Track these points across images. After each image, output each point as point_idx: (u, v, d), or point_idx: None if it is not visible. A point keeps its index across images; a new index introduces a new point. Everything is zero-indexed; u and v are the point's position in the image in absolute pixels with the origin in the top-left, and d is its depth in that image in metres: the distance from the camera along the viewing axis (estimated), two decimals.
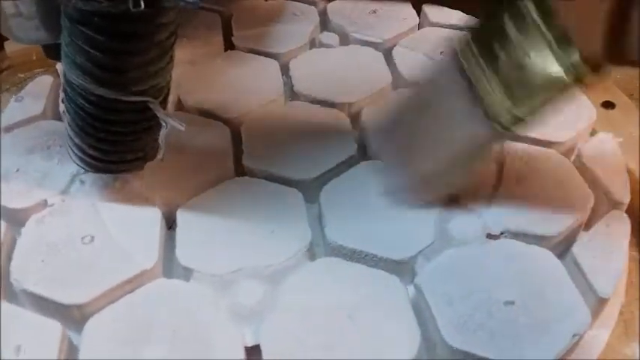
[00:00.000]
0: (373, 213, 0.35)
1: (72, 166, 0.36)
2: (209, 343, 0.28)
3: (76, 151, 0.34)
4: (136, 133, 0.32)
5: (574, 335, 0.28)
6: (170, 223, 0.36)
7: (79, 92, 0.30)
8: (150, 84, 0.30)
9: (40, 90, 0.44)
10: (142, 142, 0.33)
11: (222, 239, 0.34)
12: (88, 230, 0.33)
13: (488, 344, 0.28)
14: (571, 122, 0.41)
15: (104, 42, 0.27)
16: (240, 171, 0.39)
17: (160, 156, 0.34)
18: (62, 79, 0.31)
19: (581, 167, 0.37)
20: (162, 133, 0.32)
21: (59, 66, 0.40)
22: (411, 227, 0.34)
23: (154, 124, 0.32)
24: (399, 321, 0.29)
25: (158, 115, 0.31)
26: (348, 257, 0.33)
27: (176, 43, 0.30)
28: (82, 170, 0.35)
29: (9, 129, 0.41)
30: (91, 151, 0.33)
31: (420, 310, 0.30)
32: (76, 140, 0.33)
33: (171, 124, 0.31)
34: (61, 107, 0.33)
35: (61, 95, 0.33)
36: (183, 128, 0.31)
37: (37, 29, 0.34)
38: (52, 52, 0.35)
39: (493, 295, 0.30)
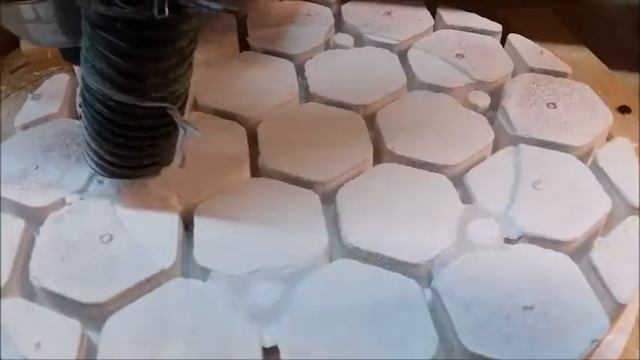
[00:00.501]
0: (390, 215, 0.35)
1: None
2: (227, 343, 0.28)
3: (92, 156, 0.33)
4: (153, 139, 0.32)
5: (593, 341, 0.28)
6: (187, 224, 0.36)
7: (97, 97, 0.30)
8: (169, 90, 0.30)
9: (56, 88, 0.44)
10: (159, 148, 0.33)
11: (239, 240, 0.34)
12: (107, 229, 0.33)
13: (505, 348, 0.27)
14: (587, 127, 0.40)
15: (125, 48, 0.27)
16: (257, 172, 0.39)
17: (179, 162, 0.33)
18: (80, 84, 0.31)
19: (598, 172, 0.37)
20: (181, 139, 0.32)
21: (77, 68, 0.40)
22: (429, 230, 0.34)
23: (172, 130, 0.32)
24: (415, 323, 0.29)
25: (177, 121, 0.30)
26: (364, 260, 0.33)
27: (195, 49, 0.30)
28: None
29: (26, 126, 0.41)
30: (108, 157, 0.32)
31: (437, 314, 0.30)
32: (93, 145, 0.32)
33: (189, 131, 0.31)
34: (79, 111, 0.32)
35: (79, 100, 0.32)
36: (200, 135, 0.31)
37: (55, 33, 0.33)
38: (70, 55, 0.35)
39: (511, 300, 0.30)
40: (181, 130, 0.31)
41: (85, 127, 0.32)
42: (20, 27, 0.34)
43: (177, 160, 0.34)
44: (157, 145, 0.33)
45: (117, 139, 0.31)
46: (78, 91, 0.33)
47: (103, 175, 0.34)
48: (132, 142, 0.31)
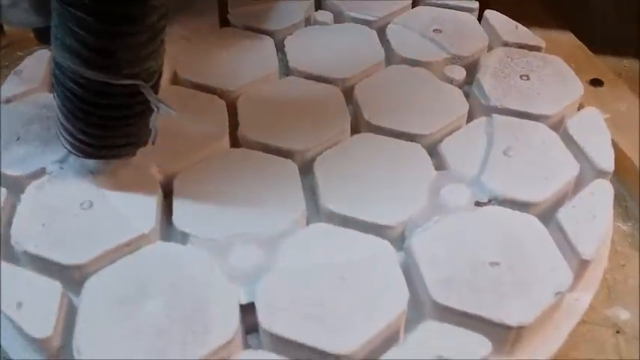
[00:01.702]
0: (366, 182, 0.36)
1: None
2: (205, 299, 0.29)
3: (66, 136, 0.33)
4: (127, 118, 0.31)
5: (556, 293, 0.29)
6: (167, 194, 0.36)
7: (68, 75, 0.29)
8: (141, 67, 0.29)
9: (38, 64, 0.44)
10: (134, 127, 0.32)
11: (218, 207, 0.34)
12: (87, 197, 0.34)
13: (473, 301, 0.29)
14: (559, 97, 0.42)
15: (94, 23, 0.27)
16: (236, 144, 0.40)
17: (151, 140, 0.33)
18: (52, 62, 0.30)
19: (568, 139, 0.38)
20: (154, 117, 0.32)
21: None
22: (403, 195, 0.35)
23: (146, 109, 0.32)
24: (388, 280, 0.30)
25: (150, 99, 0.30)
26: (340, 224, 0.34)
27: (167, 25, 0.30)
28: None
29: (8, 100, 0.41)
30: (80, 136, 0.32)
31: (409, 273, 0.31)
32: (66, 125, 0.32)
33: (163, 109, 0.30)
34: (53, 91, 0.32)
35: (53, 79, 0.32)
36: (175, 113, 0.30)
37: (27, 12, 0.33)
38: (44, 35, 0.35)
39: (479, 257, 0.31)
40: (155, 109, 0.31)
41: (58, 106, 0.32)
42: None
43: (150, 138, 0.34)
44: (131, 124, 0.32)
45: (89, 118, 0.31)
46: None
47: (77, 155, 0.33)
48: (104, 121, 0.31)
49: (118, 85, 0.29)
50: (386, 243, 0.32)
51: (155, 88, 0.31)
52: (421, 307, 0.30)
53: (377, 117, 0.40)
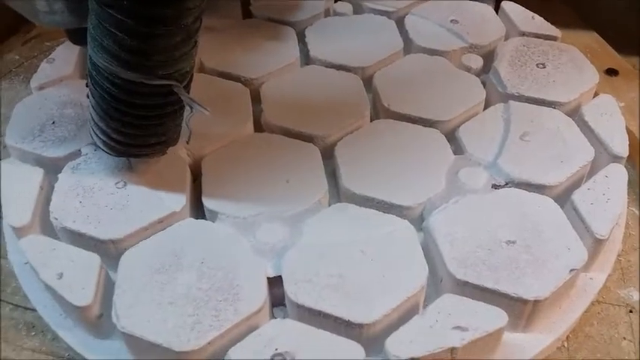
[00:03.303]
0: (385, 165, 0.37)
1: None
2: (235, 271, 0.30)
3: (99, 135, 0.33)
4: (159, 117, 0.32)
5: (571, 270, 0.30)
6: (195, 176, 0.38)
7: (104, 76, 0.30)
8: (175, 68, 0.30)
9: (69, 53, 0.46)
10: (165, 127, 0.33)
11: (244, 187, 0.36)
12: (121, 177, 0.36)
13: (490, 276, 0.30)
14: (575, 85, 0.42)
15: (132, 25, 0.27)
16: (260, 129, 0.41)
17: (186, 139, 0.34)
18: (88, 63, 0.31)
19: (583, 125, 0.39)
20: (188, 116, 0.33)
21: None
22: (421, 178, 0.36)
23: (177, 109, 0.32)
24: (408, 256, 0.31)
25: (183, 99, 0.31)
26: (361, 205, 0.35)
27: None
28: None
29: (41, 87, 0.43)
30: (114, 135, 0.32)
31: (428, 251, 0.32)
32: (101, 124, 0.32)
33: (196, 109, 0.31)
34: (87, 91, 0.32)
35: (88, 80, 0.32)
36: (208, 112, 0.31)
37: (62, 14, 0.34)
38: (77, 36, 0.36)
39: (495, 236, 0.32)
40: (188, 108, 0.32)
41: (93, 106, 0.32)
42: (27, 7, 0.34)
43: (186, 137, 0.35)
44: (163, 124, 0.33)
45: (123, 118, 0.31)
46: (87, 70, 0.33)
47: (109, 154, 0.34)
48: (138, 120, 0.32)
49: (153, 85, 0.30)
50: (405, 222, 0.33)
51: (187, 88, 0.32)
52: (439, 284, 0.32)
53: (396, 104, 0.42)
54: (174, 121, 0.34)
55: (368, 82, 0.44)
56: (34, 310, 0.35)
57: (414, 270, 0.30)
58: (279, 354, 0.27)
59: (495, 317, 0.28)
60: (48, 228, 0.34)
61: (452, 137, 0.40)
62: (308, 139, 0.40)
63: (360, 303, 0.29)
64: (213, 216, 0.35)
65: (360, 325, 0.28)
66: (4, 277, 0.37)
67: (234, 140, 0.39)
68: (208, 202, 0.35)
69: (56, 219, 0.33)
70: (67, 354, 0.33)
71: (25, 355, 0.33)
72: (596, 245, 0.33)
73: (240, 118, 0.41)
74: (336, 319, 0.28)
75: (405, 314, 0.29)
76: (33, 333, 0.34)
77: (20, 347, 0.33)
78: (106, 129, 0.32)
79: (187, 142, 0.35)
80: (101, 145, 0.34)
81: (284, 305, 0.31)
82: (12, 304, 0.36)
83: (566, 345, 0.32)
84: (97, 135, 0.34)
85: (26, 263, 0.35)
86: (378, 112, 0.43)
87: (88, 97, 0.33)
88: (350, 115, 0.41)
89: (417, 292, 0.29)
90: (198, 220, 0.34)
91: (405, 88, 0.43)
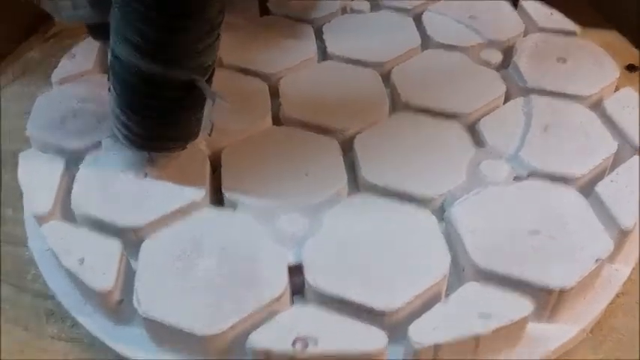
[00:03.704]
0: (405, 158, 0.37)
1: None
2: (255, 258, 0.30)
3: (120, 129, 0.33)
4: (181, 111, 0.32)
5: (596, 260, 0.30)
6: (215, 168, 0.38)
7: (126, 68, 0.30)
8: (197, 62, 0.30)
9: (90, 49, 0.47)
10: (187, 121, 0.33)
11: (263, 179, 0.36)
12: (141, 169, 0.36)
13: (514, 265, 0.29)
14: (595, 79, 0.42)
15: (155, 17, 0.27)
16: (278, 123, 0.41)
17: (208, 132, 0.34)
18: (109, 56, 0.31)
19: (605, 118, 0.39)
20: (209, 109, 0.33)
21: None
22: (442, 170, 0.36)
23: (199, 103, 0.32)
24: (430, 245, 0.31)
25: (205, 92, 0.31)
26: (381, 196, 0.35)
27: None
28: None
29: (62, 82, 0.44)
30: (136, 129, 0.32)
31: (449, 242, 0.32)
32: (122, 117, 0.32)
33: (217, 102, 0.31)
34: (108, 84, 0.32)
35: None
36: (229, 105, 0.31)
37: (84, 7, 0.34)
38: (98, 32, 0.36)
39: (519, 226, 0.31)
40: (210, 101, 0.32)
41: (114, 99, 0.32)
42: (50, 4, 0.35)
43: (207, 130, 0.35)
44: (184, 117, 0.33)
45: (145, 111, 0.31)
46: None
47: (130, 148, 0.34)
48: (159, 113, 0.31)
49: (175, 78, 0.30)
50: (427, 211, 0.33)
51: (209, 81, 0.32)
52: (461, 274, 0.31)
53: (414, 98, 0.41)
54: (196, 114, 0.33)
55: (386, 78, 0.44)
56: (53, 297, 0.35)
57: (436, 258, 0.30)
58: (301, 338, 0.26)
59: (520, 306, 0.28)
60: (69, 216, 0.34)
61: (472, 131, 0.40)
62: (326, 132, 0.40)
63: (383, 290, 0.28)
64: (233, 206, 0.35)
65: (383, 313, 0.28)
66: (24, 265, 0.37)
67: (253, 133, 0.39)
68: (228, 193, 0.35)
69: (77, 207, 0.33)
70: (86, 340, 0.33)
71: (45, 342, 0.33)
72: (620, 237, 0.32)
73: (259, 113, 0.41)
74: (359, 306, 0.28)
75: (428, 302, 0.29)
76: (53, 320, 0.34)
77: (40, 334, 0.33)
78: (127, 122, 0.32)
79: (209, 135, 0.35)
80: (122, 139, 0.34)
81: (302, 295, 0.31)
82: (32, 291, 0.36)
83: (590, 336, 0.32)
84: (118, 129, 0.34)
85: (47, 250, 0.35)
86: (397, 106, 0.43)
87: (109, 90, 0.33)
88: (368, 109, 0.41)
89: (440, 280, 0.29)
90: (218, 209, 0.34)
91: (424, 82, 0.43)
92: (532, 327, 0.29)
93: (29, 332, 0.34)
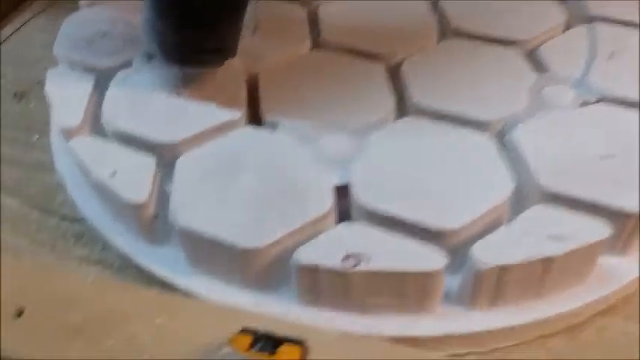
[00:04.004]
0: (458, 82, 0.34)
1: None
2: (299, 177, 0.28)
3: (155, 37, 0.31)
4: (219, 15, 0.30)
5: None
6: (251, 93, 0.35)
7: None
8: None
9: None
10: (225, 29, 0.31)
11: (304, 100, 0.33)
12: (175, 85, 0.33)
13: (586, 188, 0.27)
14: None
15: None
16: (317, 48, 0.39)
17: (252, 30, 0.33)
18: None
19: None
20: (253, 7, 0.31)
21: None
22: (500, 94, 0.33)
23: (240, 13, 0.30)
24: (490, 167, 0.28)
25: None
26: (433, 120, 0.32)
27: None
28: None
29: (91, 4, 0.41)
30: (171, 36, 0.30)
31: (511, 166, 0.29)
32: (157, 23, 0.30)
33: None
34: None
35: None
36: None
37: None
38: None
39: (588, 150, 0.29)
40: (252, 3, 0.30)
41: (150, 5, 0.30)
42: None
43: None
44: (223, 25, 0.31)
45: (182, 17, 0.29)
46: None
47: (166, 61, 0.32)
48: (196, 16, 0.29)
49: None
50: (484, 135, 0.30)
51: None
52: (524, 200, 0.29)
53: (466, 24, 0.38)
54: (235, 23, 0.31)
55: (434, 5, 0.41)
56: (82, 220, 0.33)
57: (497, 180, 0.27)
58: (352, 255, 0.24)
59: (596, 228, 0.25)
60: (98, 133, 0.32)
61: (531, 58, 0.36)
62: (370, 58, 0.37)
63: (440, 210, 0.26)
64: (273, 127, 0.32)
65: (441, 233, 0.25)
66: (52, 191, 0.35)
67: (292, 58, 0.37)
68: (268, 114, 0.32)
69: (109, 122, 0.31)
70: (117, 263, 0.31)
71: (73, 265, 0.31)
72: None
73: (297, 37, 0.38)
74: (413, 226, 0.26)
75: (489, 226, 0.26)
76: (81, 243, 0.32)
77: (68, 256, 0.32)
78: (163, 28, 0.30)
79: (253, 34, 0.33)
80: (156, 50, 0.32)
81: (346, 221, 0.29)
82: (60, 215, 0.34)
83: None
84: (152, 37, 0.31)
85: (74, 169, 0.33)
86: (446, 33, 0.39)
87: None
88: (415, 34, 0.38)
89: (502, 202, 0.26)
90: (258, 128, 0.31)
91: (476, 8, 0.40)
92: (602, 260, 0.27)
93: (57, 253, 0.32)
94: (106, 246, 0.32)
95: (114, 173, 0.28)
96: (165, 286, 0.28)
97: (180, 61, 0.32)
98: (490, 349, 0.26)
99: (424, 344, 0.25)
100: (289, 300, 0.26)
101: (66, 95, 0.33)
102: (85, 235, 0.33)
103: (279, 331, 0.23)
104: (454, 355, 0.26)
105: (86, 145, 0.30)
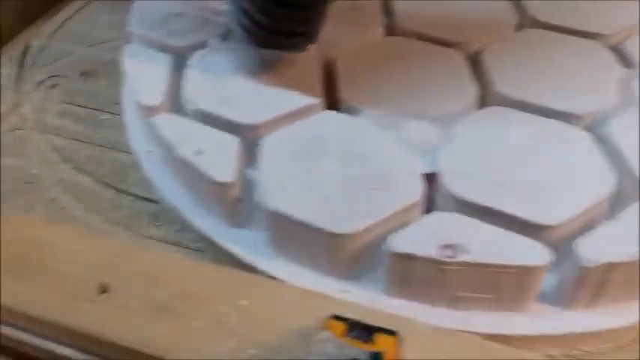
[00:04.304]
0: (542, 73, 0.33)
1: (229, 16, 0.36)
2: (385, 162, 0.27)
3: (241, 18, 0.31)
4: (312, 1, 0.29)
5: None
6: (326, 79, 0.35)
7: None
8: None
9: None
10: (311, 13, 0.30)
11: (384, 87, 0.33)
12: (252, 67, 0.33)
13: None
14: None
15: None
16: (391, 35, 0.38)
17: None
18: None
19: None
20: None
21: None
22: (586, 87, 0.32)
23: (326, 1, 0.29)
24: (587, 162, 0.27)
25: None
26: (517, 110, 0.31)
27: None
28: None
29: None
30: (258, 16, 0.30)
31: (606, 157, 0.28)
32: (245, 3, 0.30)
33: None
34: None
35: None
36: None
37: None
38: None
39: None
40: None
41: None
42: None
43: None
44: (312, 12, 0.30)
45: None
46: None
47: (250, 43, 0.32)
48: (292, 3, 0.29)
49: None
50: (577, 128, 0.29)
51: None
52: (620, 197, 0.27)
53: (546, 15, 0.37)
54: (323, 9, 0.30)
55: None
56: (156, 202, 0.33)
57: (598, 175, 0.26)
58: (449, 245, 0.23)
59: None
60: (177, 112, 0.32)
61: (615, 52, 0.35)
62: (447, 45, 0.36)
63: (538, 204, 0.25)
64: (354, 112, 0.31)
65: (541, 228, 0.24)
66: (124, 169, 0.35)
67: (366, 42, 0.36)
68: (347, 100, 0.32)
69: (190, 101, 0.31)
70: (194, 245, 0.31)
71: (149, 244, 0.31)
72: None
73: (370, 24, 0.38)
74: (510, 218, 0.25)
75: (588, 223, 0.25)
76: (157, 223, 0.32)
77: (142, 235, 0.32)
78: (250, 8, 0.30)
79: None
80: (241, 31, 0.31)
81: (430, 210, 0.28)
82: (133, 194, 0.34)
83: None
84: (238, 18, 0.31)
85: (151, 151, 0.33)
86: (525, 23, 0.38)
87: None
88: (493, 23, 0.37)
89: (604, 198, 0.25)
90: (340, 113, 0.31)
91: (555, 1, 0.38)
92: None
93: (132, 232, 0.32)
94: (182, 227, 0.31)
95: (199, 151, 0.28)
96: (245, 268, 0.28)
97: (267, 44, 0.31)
98: (583, 352, 0.25)
99: (515, 343, 0.24)
100: (375, 289, 0.26)
101: (144, 73, 0.33)
102: (160, 215, 0.32)
103: (368, 320, 0.23)
104: (548, 356, 0.25)
105: (169, 123, 0.29)
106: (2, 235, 0.27)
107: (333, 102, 0.33)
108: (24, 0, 0.49)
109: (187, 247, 0.31)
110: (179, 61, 0.34)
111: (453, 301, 0.25)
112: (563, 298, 0.24)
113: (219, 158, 0.27)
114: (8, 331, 0.26)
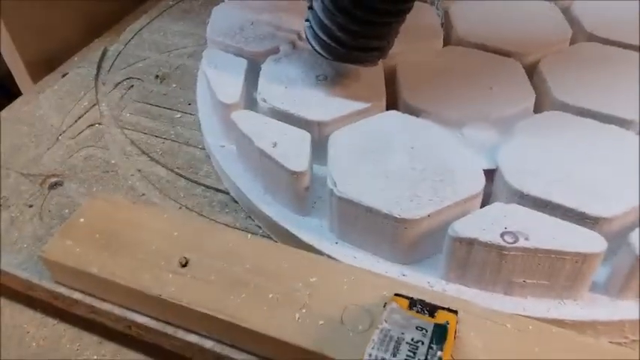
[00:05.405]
0: (599, 82, 0.34)
1: (299, 25, 0.38)
2: (448, 158, 0.29)
3: (320, 34, 0.32)
4: (388, 19, 0.30)
5: None
6: (387, 85, 0.37)
7: None
8: None
9: None
10: (390, 29, 0.31)
11: (445, 91, 0.35)
12: (321, 71, 0.35)
13: None
14: None
15: None
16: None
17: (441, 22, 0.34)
18: None
19: None
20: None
21: None
22: None
23: (401, 19, 0.31)
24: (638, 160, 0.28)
25: None
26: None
27: None
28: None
29: None
30: (339, 33, 0.31)
31: None
32: (325, 21, 0.31)
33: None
34: None
35: None
36: None
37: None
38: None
39: None
40: None
41: (322, 4, 0.31)
42: None
43: None
44: (386, 28, 0.31)
45: (354, 11, 0.29)
46: None
47: (326, 57, 0.33)
48: (367, 16, 0.30)
49: None
50: (632, 133, 0.30)
51: None
52: None
53: (600, 30, 0.39)
54: (396, 29, 0.32)
55: (565, 11, 0.41)
56: (226, 192, 0.36)
57: None
58: (510, 232, 0.25)
59: None
60: (252, 110, 0.35)
61: None
62: (504, 55, 0.38)
63: (595, 198, 0.26)
64: (416, 113, 0.33)
65: (596, 220, 0.26)
66: (196, 162, 0.38)
67: (426, 52, 0.38)
68: (409, 98, 0.34)
69: (264, 100, 0.34)
70: (259, 230, 0.33)
71: (220, 227, 0.34)
72: None
73: (430, 34, 0.40)
74: (568, 210, 0.26)
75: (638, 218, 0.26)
76: (226, 211, 0.35)
77: (214, 221, 0.34)
78: (331, 26, 0.31)
79: (442, 26, 0.35)
80: (319, 48, 0.32)
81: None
82: (205, 185, 0.37)
83: None
84: (317, 35, 0.32)
85: (223, 146, 0.36)
86: (577, 38, 0.40)
87: None
88: (549, 36, 0.38)
89: None
90: (403, 113, 0.33)
91: (611, 14, 0.40)
92: None
93: (204, 217, 0.35)
94: (250, 214, 0.34)
95: (275, 144, 0.30)
96: (310, 252, 0.30)
97: (346, 59, 0.33)
98: (632, 340, 0.26)
99: (567, 329, 0.25)
100: (433, 274, 0.28)
101: (223, 75, 0.36)
102: (228, 204, 0.35)
103: (428, 300, 0.24)
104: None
105: (247, 118, 0.32)
106: (95, 213, 0.30)
107: (394, 107, 0.35)
108: (89, 15, 0.54)
109: (255, 233, 0.33)
110: (253, 65, 0.37)
111: (510, 287, 0.26)
112: (614, 287, 0.26)
113: (293, 150, 0.30)
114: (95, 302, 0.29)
